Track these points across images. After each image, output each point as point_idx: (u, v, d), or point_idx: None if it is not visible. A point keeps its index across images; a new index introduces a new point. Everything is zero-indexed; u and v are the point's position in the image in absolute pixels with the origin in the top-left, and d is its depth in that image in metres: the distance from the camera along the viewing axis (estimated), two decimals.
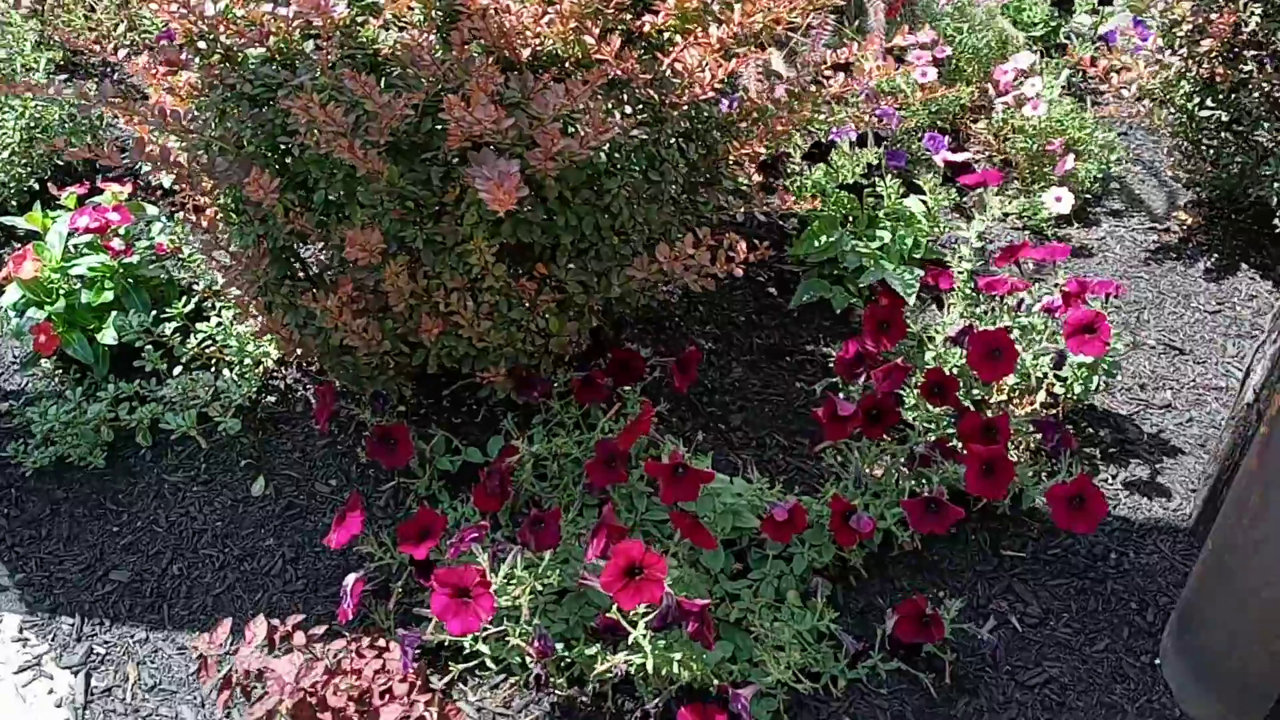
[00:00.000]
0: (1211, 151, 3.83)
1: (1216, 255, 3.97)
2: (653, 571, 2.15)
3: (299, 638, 2.47)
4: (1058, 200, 3.91)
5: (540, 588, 2.41)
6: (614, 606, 2.28)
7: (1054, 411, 3.13)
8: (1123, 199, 4.24)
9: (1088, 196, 4.17)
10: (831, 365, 3.34)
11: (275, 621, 2.49)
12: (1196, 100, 3.69)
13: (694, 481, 2.44)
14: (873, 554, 2.83)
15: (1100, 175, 4.21)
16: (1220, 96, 3.62)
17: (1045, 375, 2.99)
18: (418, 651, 2.41)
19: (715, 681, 2.45)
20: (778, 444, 3.14)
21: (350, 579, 2.51)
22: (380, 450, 2.85)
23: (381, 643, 2.58)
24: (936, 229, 3.50)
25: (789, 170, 3.70)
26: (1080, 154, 4.13)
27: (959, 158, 3.99)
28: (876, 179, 3.59)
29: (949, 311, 3.11)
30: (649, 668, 2.28)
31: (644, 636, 2.26)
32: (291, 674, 2.29)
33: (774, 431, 3.17)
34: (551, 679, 2.45)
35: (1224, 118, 3.64)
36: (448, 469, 2.97)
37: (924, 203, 3.64)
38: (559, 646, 2.50)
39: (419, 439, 3.01)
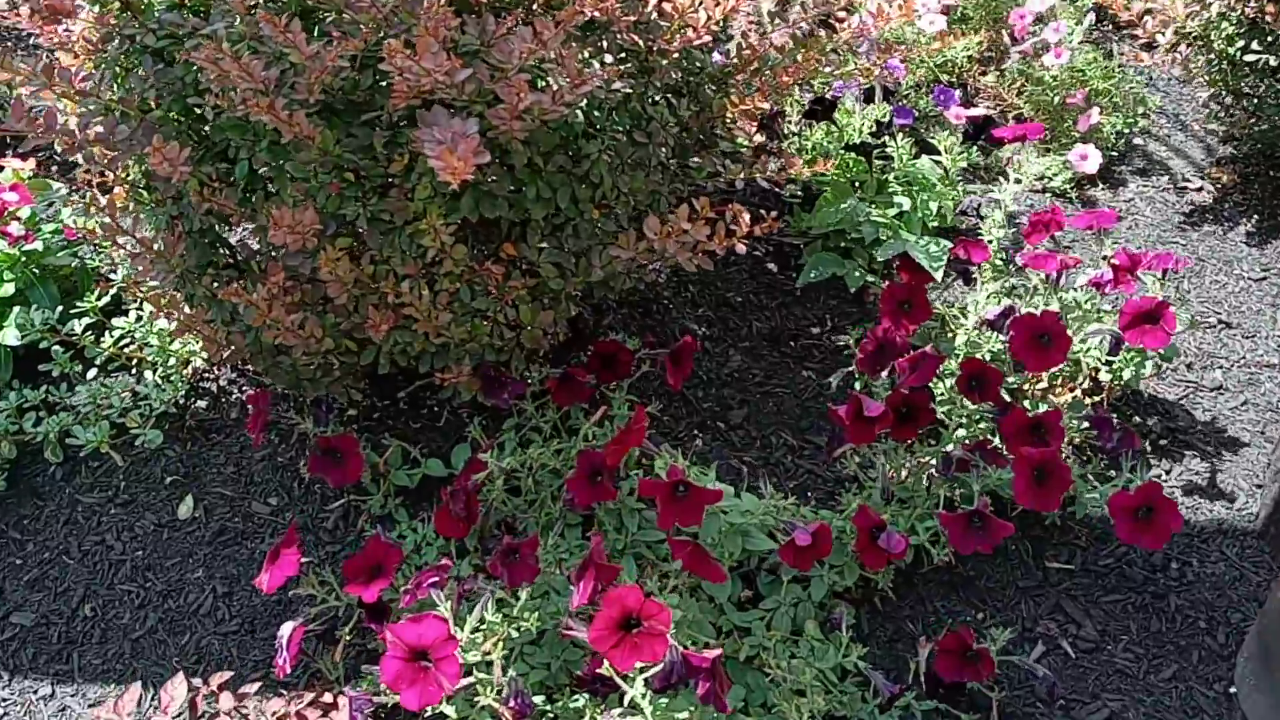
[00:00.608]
0: (1253, 101, 3.44)
1: (1257, 216, 3.59)
2: (653, 624, 1.76)
3: (226, 700, 2.06)
4: (1083, 159, 3.52)
5: (515, 633, 2.00)
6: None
7: (1097, 399, 2.75)
8: (1149, 158, 3.85)
9: (1113, 154, 3.78)
10: (844, 351, 2.95)
11: (198, 681, 2.08)
12: (1239, 44, 3.30)
13: (698, 502, 2.04)
14: (900, 570, 2.45)
15: (1125, 131, 3.81)
16: (1268, 39, 3.22)
17: (1093, 361, 2.61)
18: (371, 714, 2.01)
19: None
20: (785, 444, 2.74)
21: (287, 629, 2.10)
22: (325, 465, 2.43)
23: (328, 698, 2.18)
24: (955, 194, 3.10)
25: (786, 132, 3.28)
26: (1105, 108, 3.74)
27: (973, 113, 3.58)
28: (886, 138, 3.18)
29: (981, 289, 2.71)
30: None
31: (643, 697, 1.86)
32: None
33: (780, 429, 2.77)
34: None
35: (1271, 62, 3.25)
36: (405, 484, 2.56)
37: (939, 164, 3.24)
38: (538, 700, 2.10)
39: (371, 449, 2.60)
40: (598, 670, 2.04)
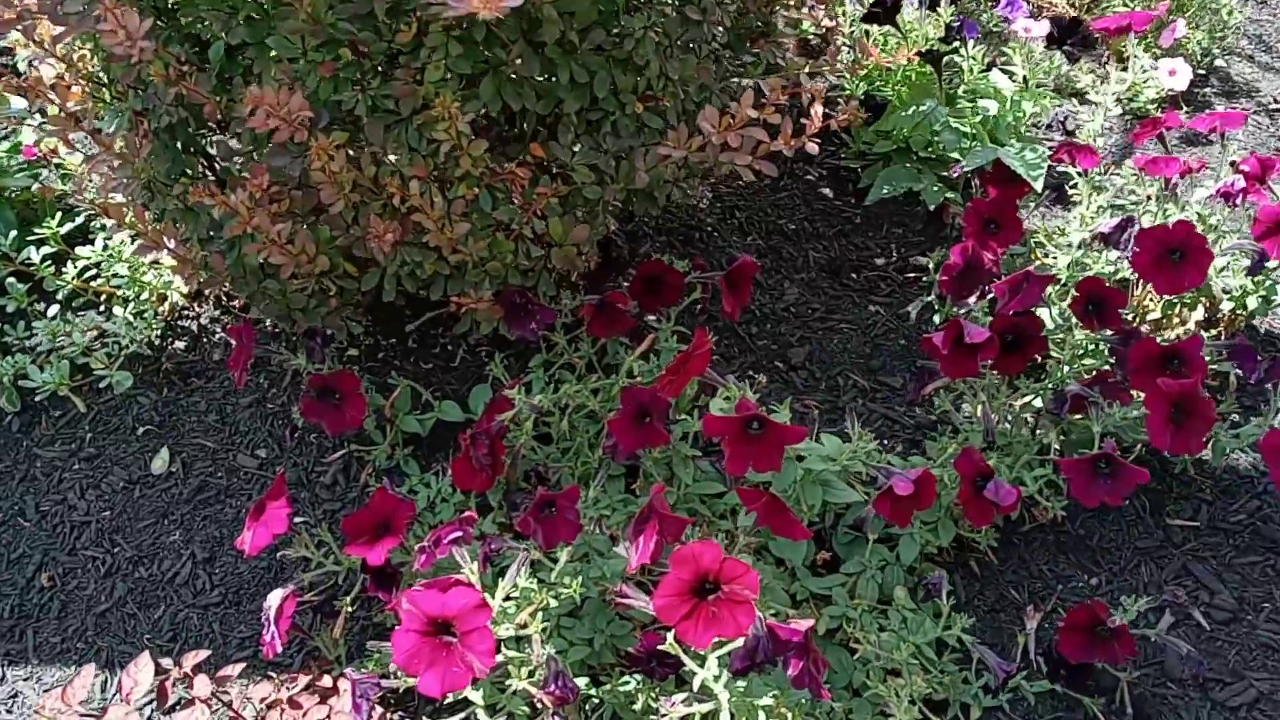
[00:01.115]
0: None
1: None
2: (736, 589, 1.38)
3: (202, 684, 1.69)
4: (1171, 74, 3.12)
5: (554, 602, 1.63)
6: (670, 631, 1.51)
7: (1214, 333, 2.37)
8: (1235, 79, 3.46)
9: (1198, 73, 3.39)
10: (919, 281, 2.57)
11: (168, 661, 1.72)
12: None
13: (776, 442, 1.67)
14: (997, 529, 2.08)
15: (1210, 49, 3.43)
16: None
17: (1223, 285, 2.23)
18: (378, 699, 1.64)
19: None
20: (855, 386, 2.36)
21: (275, 598, 1.73)
22: (321, 409, 2.05)
23: (326, 682, 1.81)
24: (1043, 102, 2.72)
25: (842, 36, 2.89)
26: (1189, 22, 3.34)
27: (1042, 27, 3.19)
28: (957, 45, 2.79)
29: (1087, 202, 2.32)
30: None
31: (716, 679, 1.49)
32: None
33: (848, 370, 2.40)
34: None
35: None
36: (415, 431, 2.18)
37: (1011, 75, 2.85)
38: (581, 683, 1.74)
39: (375, 392, 2.22)
40: (655, 646, 1.67)
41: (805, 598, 1.91)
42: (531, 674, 1.65)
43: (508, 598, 1.59)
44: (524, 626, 1.56)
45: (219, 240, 2.05)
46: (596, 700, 1.79)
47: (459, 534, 1.57)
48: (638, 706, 1.77)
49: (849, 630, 1.85)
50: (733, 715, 1.51)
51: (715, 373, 1.87)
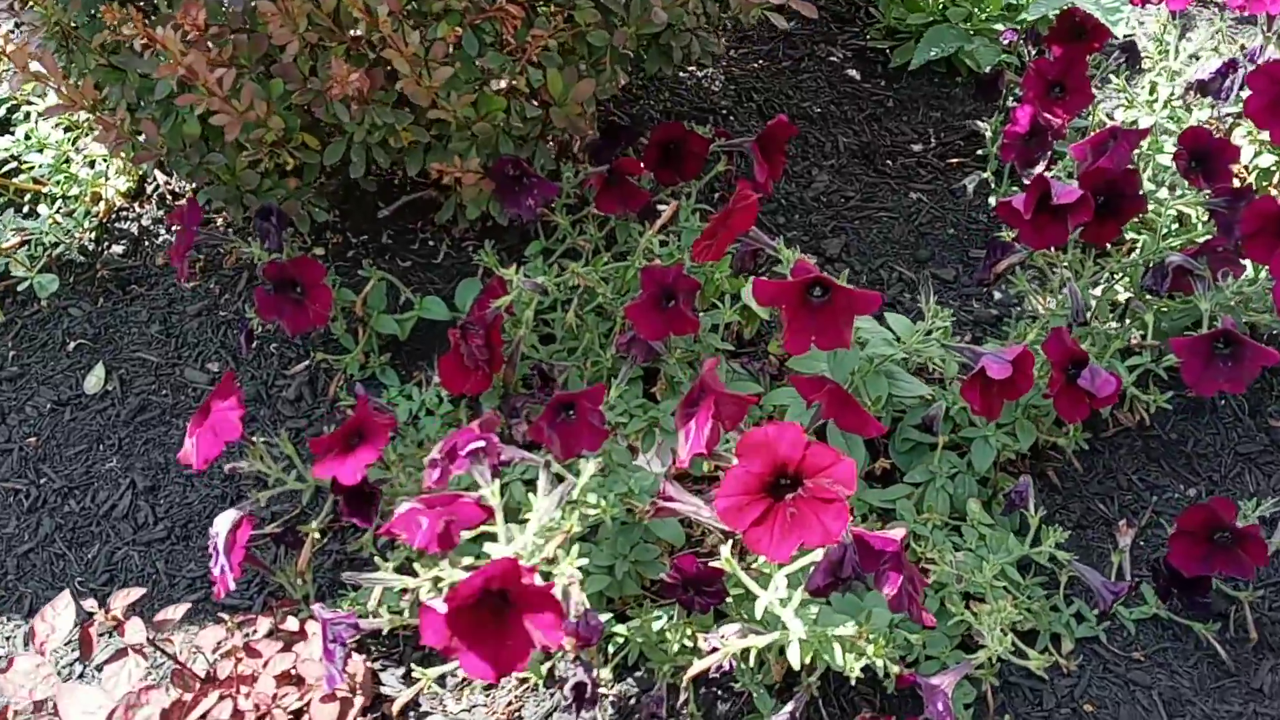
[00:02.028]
0: None
1: None
2: (823, 482, 1.07)
3: (135, 629, 1.37)
4: None
5: (578, 527, 1.31)
6: (727, 538, 1.19)
7: None
8: None
9: None
10: (962, 168, 2.25)
11: (91, 604, 1.39)
12: None
13: (843, 310, 1.34)
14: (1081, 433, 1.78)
15: None
16: None
17: None
18: (355, 644, 1.32)
19: (888, 666, 1.39)
20: (901, 279, 2.05)
21: (225, 522, 1.40)
22: (279, 305, 1.72)
23: (292, 625, 1.49)
24: None
25: None
26: None
27: None
28: None
29: (1175, 52, 1.99)
30: (793, 657, 1.20)
31: (784, 602, 1.18)
32: (98, 711, 1.19)
33: (892, 261, 2.08)
34: (585, 709, 1.37)
35: None
36: (393, 334, 1.86)
37: None
38: (603, 619, 1.43)
39: (343, 287, 1.89)
40: (692, 570, 1.36)
41: (864, 512, 1.60)
42: None
43: (539, 535, 1.26)
44: (553, 561, 1.24)
45: (152, 108, 1.71)
46: (621, 639, 1.48)
47: (480, 443, 1.24)
48: (671, 647, 1.46)
49: (919, 550, 1.54)
50: (803, 647, 1.20)
51: (763, 234, 1.55)
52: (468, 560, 1.26)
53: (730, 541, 1.22)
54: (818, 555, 1.16)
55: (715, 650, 1.23)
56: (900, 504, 1.60)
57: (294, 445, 1.60)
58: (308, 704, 1.36)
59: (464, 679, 1.57)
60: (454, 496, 1.22)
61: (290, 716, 1.36)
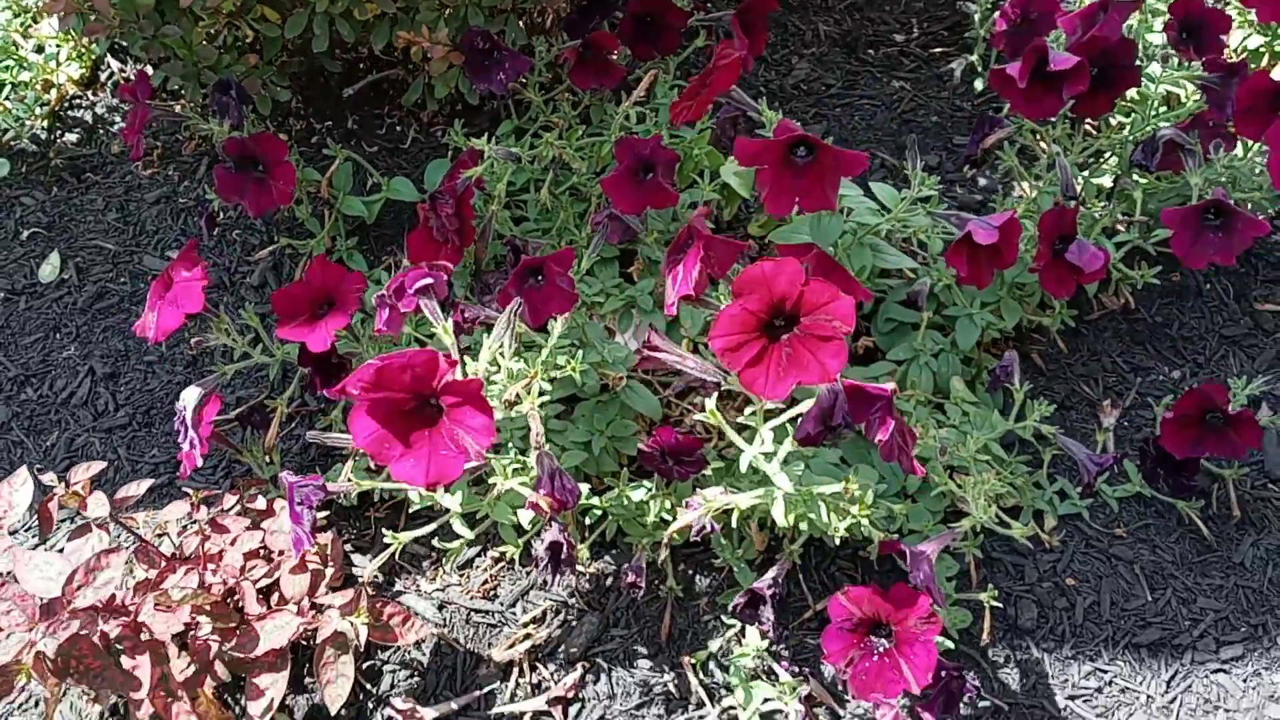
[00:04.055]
0: None
1: None
2: (821, 319, 1.03)
3: (98, 504, 1.32)
4: None
5: (548, 385, 1.26)
6: (715, 413, 1.16)
7: None
8: None
9: None
10: (945, 59, 2.20)
11: (50, 478, 1.34)
12: None
13: (828, 170, 1.29)
14: (1065, 316, 1.75)
15: None
16: None
17: None
18: (324, 512, 1.28)
19: (872, 533, 1.37)
20: (884, 165, 2.00)
21: (191, 397, 1.35)
22: (241, 184, 1.65)
23: (260, 505, 1.44)
24: None
25: None
26: None
27: None
28: None
29: None
30: (779, 514, 1.17)
31: (769, 458, 1.15)
32: (57, 577, 1.15)
33: (875, 148, 2.03)
34: (562, 570, 1.33)
35: None
36: (360, 215, 1.79)
37: None
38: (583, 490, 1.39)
39: (309, 167, 1.82)
40: (671, 441, 1.33)
41: None
42: (521, 471, 1.30)
43: (493, 363, 1.22)
44: (515, 404, 1.20)
45: None
46: (598, 512, 1.45)
47: (428, 280, 1.19)
48: (649, 519, 1.43)
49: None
50: (788, 505, 1.17)
51: (744, 95, 1.49)
52: None
53: (715, 395, 1.18)
54: (805, 407, 1.12)
55: (696, 509, 1.19)
56: (883, 380, 1.56)
57: (266, 329, 1.55)
58: (277, 578, 1.32)
59: (437, 557, 1.53)
60: (415, 350, 1.17)
61: (259, 591, 1.32)
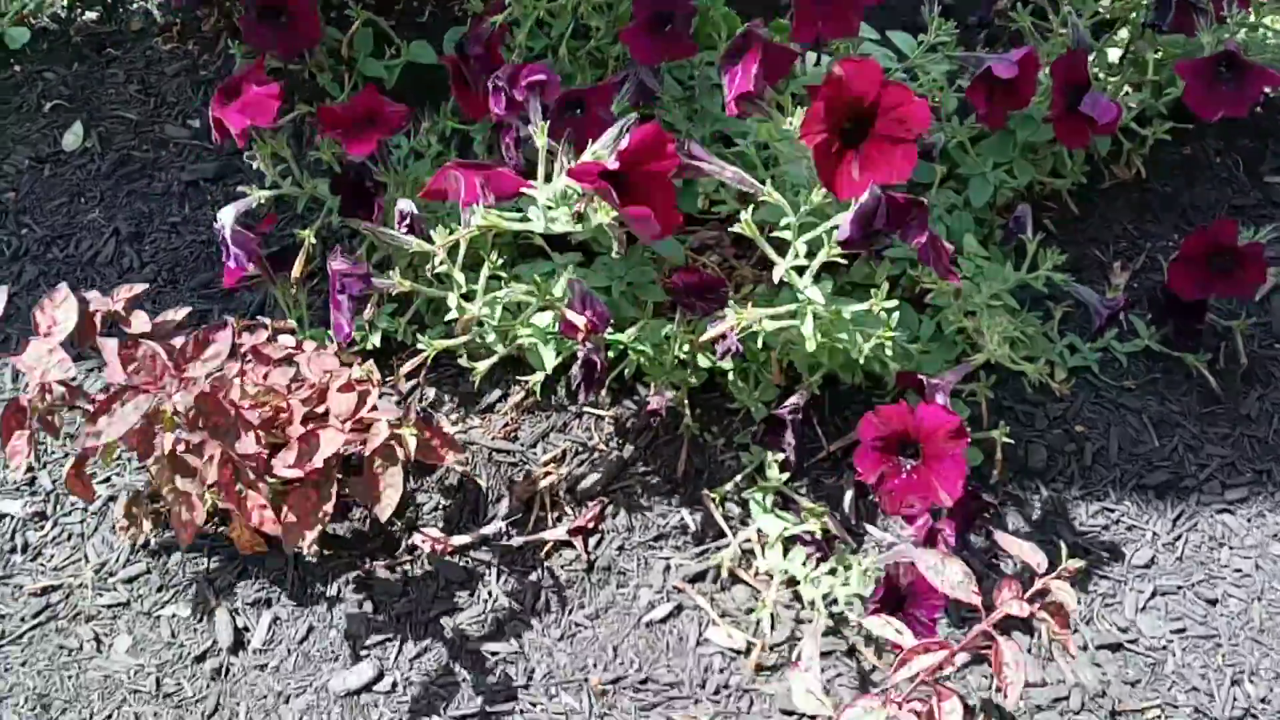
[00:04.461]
0: None
1: None
2: (897, 118, 1.07)
3: (140, 321, 1.36)
4: None
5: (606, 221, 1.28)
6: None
7: None
8: None
9: None
10: None
11: (93, 295, 1.37)
12: None
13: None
14: (1076, 182, 1.77)
15: None
16: None
17: None
18: (360, 296, 1.31)
19: (889, 367, 1.40)
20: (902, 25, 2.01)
21: (229, 212, 1.39)
22: (265, 32, 1.66)
23: (289, 340, 1.48)
24: None
25: None
26: None
27: None
28: None
29: None
30: (808, 331, 1.21)
31: (800, 271, 1.18)
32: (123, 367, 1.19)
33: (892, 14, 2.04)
34: (594, 388, 1.37)
35: None
36: (379, 78, 1.81)
37: None
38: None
39: (329, 26, 1.83)
40: (693, 280, 1.36)
41: None
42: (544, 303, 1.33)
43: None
44: (581, 218, 1.22)
45: None
46: (621, 349, 1.48)
47: (542, 75, 1.24)
48: (668, 358, 1.46)
49: (913, 275, 1.54)
50: (816, 323, 1.20)
51: None
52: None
53: (750, 208, 1.21)
54: (836, 220, 1.17)
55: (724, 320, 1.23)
56: (895, 237, 1.59)
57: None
58: (324, 398, 1.35)
59: (460, 403, 1.57)
60: (487, 164, 1.21)
61: (308, 415, 1.34)
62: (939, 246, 1.16)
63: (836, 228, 1.16)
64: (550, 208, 1.20)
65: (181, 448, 1.20)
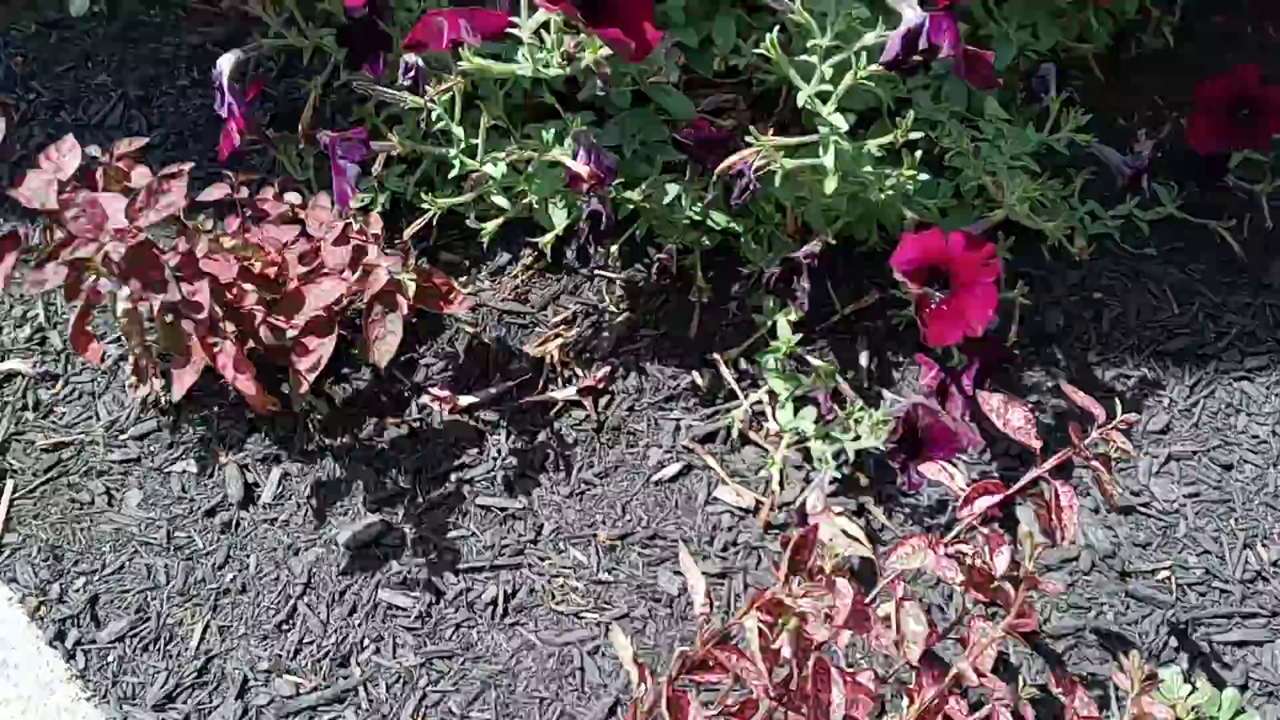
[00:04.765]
0: None
1: None
2: None
3: (141, 175, 1.34)
4: None
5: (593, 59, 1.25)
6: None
7: None
8: None
9: None
10: None
11: (94, 150, 1.36)
12: None
13: None
14: (1097, 57, 1.72)
15: None
16: None
17: None
18: (361, 162, 1.29)
19: (907, 219, 1.38)
20: None
21: (228, 60, 1.36)
22: None
23: (294, 198, 1.46)
24: None
25: None
26: None
27: None
28: None
29: None
30: (829, 162, 1.19)
31: (822, 98, 1.16)
32: (119, 210, 1.17)
33: None
34: (600, 241, 1.35)
35: None
36: None
37: None
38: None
39: None
40: (705, 132, 1.33)
41: (874, 105, 1.55)
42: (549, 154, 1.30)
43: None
44: (574, 57, 1.19)
45: None
46: (630, 207, 1.46)
47: None
48: (679, 216, 1.44)
49: (934, 137, 1.50)
50: (837, 158, 1.18)
51: None
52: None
53: (778, 29, 1.18)
54: (865, 41, 1.15)
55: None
56: (917, 94, 1.55)
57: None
58: (319, 254, 1.34)
59: (470, 265, 1.55)
60: (471, 8, 1.18)
61: (301, 267, 1.33)
62: (980, 63, 1.15)
63: (865, 50, 1.14)
64: (536, 47, 1.17)
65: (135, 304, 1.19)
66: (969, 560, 1.01)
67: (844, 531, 1.07)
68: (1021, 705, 1.07)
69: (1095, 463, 1.01)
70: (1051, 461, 0.99)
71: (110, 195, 1.18)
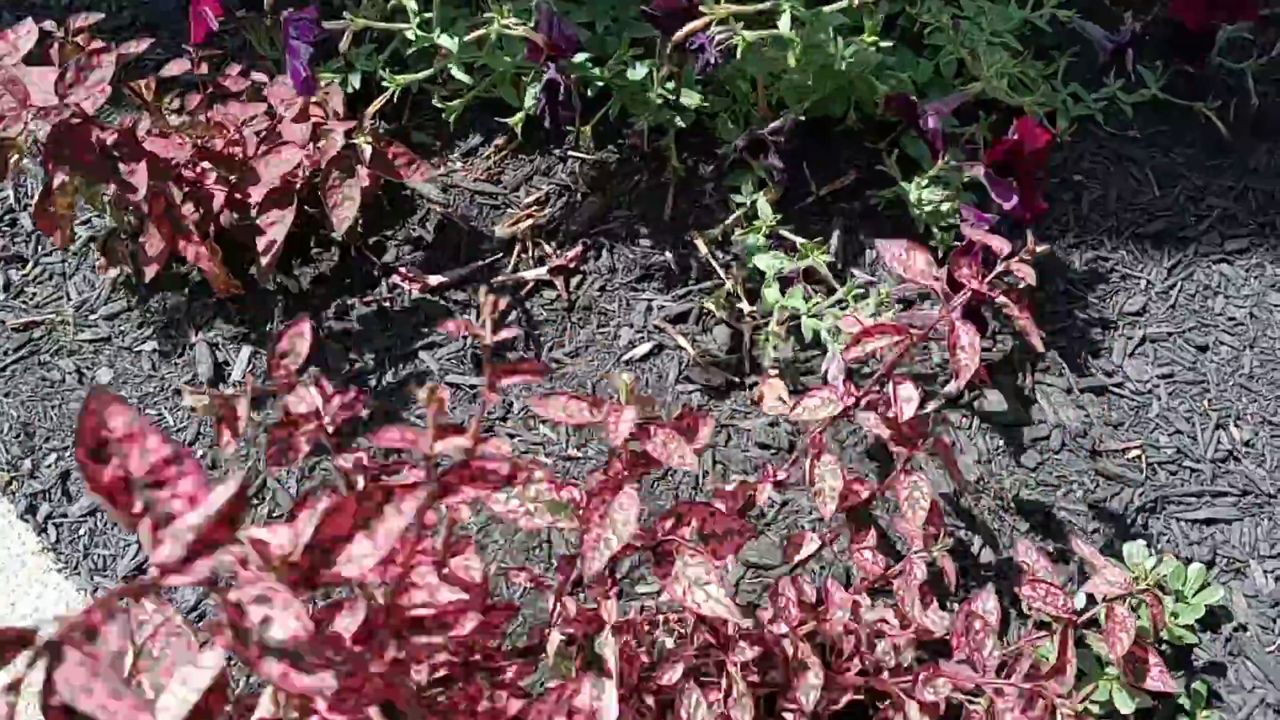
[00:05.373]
0: None
1: None
2: None
3: (96, 49, 1.31)
4: None
5: None
6: None
7: None
8: None
9: None
10: None
11: (50, 25, 1.33)
12: None
13: None
14: None
15: None
16: None
17: None
18: (315, 43, 1.26)
19: (878, 89, 1.35)
20: None
21: None
22: None
23: (261, 77, 1.44)
24: None
25: None
26: None
27: None
28: None
29: None
30: (785, 31, 1.16)
31: None
32: (48, 86, 1.15)
33: None
34: (560, 114, 1.32)
35: None
36: None
37: None
38: (581, 59, 1.38)
39: None
40: (672, 3, 1.30)
41: None
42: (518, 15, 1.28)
43: None
44: None
45: None
46: (600, 79, 1.43)
47: None
48: (651, 95, 1.42)
49: (913, 14, 1.47)
50: (798, 21, 1.15)
51: None
52: None
53: None
54: None
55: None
56: None
57: None
58: (279, 131, 1.32)
59: (441, 147, 1.53)
60: None
61: (261, 143, 1.32)
62: None
63: None
64: None
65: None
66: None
67: (779, 397, 1.06)
68: (940, 556, 1.07)
69: (1003, 297, 0.98)
70: (958, 299, 0.96)
71: (40, 70, 1.16)
